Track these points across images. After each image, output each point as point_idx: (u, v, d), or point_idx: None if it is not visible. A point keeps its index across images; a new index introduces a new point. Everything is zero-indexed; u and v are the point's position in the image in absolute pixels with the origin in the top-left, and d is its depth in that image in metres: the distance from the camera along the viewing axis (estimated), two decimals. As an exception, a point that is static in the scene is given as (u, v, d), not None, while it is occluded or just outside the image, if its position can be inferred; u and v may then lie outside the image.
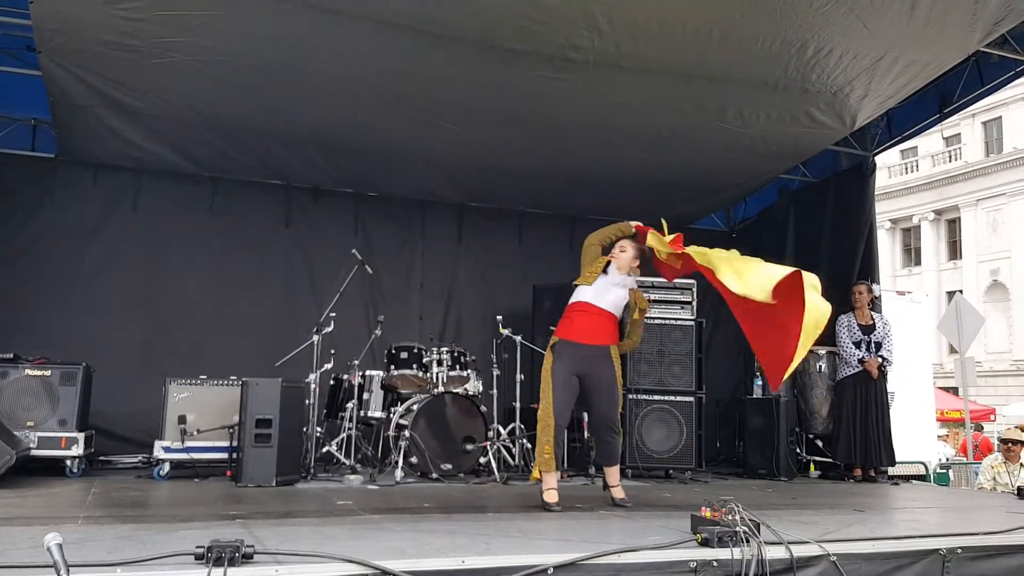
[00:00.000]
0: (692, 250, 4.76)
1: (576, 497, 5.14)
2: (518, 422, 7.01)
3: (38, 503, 4.57)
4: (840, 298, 7.65)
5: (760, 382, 7.80)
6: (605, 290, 4.98)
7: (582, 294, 5.01)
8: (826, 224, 8.34)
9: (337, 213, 8.46)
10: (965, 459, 11.93)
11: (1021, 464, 7.10)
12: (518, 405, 7.05)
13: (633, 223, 5.13)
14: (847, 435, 7.13)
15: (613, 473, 5.03)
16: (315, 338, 6.51)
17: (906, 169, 33.12)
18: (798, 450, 7.52)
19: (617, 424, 4.95)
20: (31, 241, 7.43)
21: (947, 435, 14.32)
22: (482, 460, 6.47)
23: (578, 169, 7.79)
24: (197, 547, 2.56)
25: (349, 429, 6.58)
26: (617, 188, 8.23)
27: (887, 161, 30.73)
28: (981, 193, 30.36)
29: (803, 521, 4.04)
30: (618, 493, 4.94)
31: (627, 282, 5.09)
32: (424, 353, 6.74)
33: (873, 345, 7.24)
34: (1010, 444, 7.24)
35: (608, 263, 5.07)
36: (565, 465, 7.01)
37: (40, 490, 5.07)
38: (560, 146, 7.32)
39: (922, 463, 9.19)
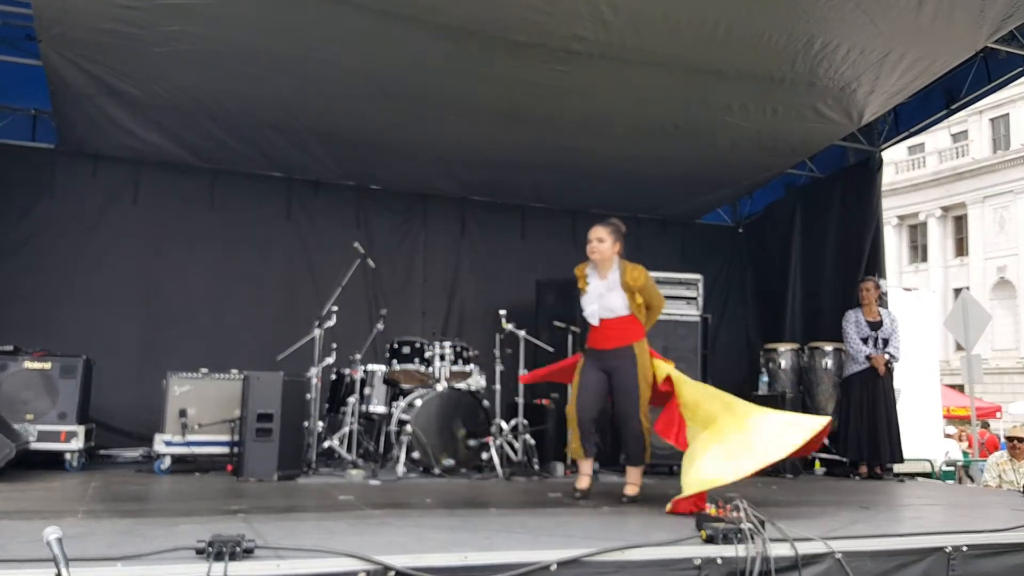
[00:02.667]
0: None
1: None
2: (521, 417, 6.98)
3: (37, 497, 4.55)
4: (847, 294, 7.65)
5: (766, 379, 7.76)
6: (602, 304, 4.93)
7: (584, 310, 5.04)
8: (833, 220, 8.29)
9: (338, 206, 8.41)
10: (971, 457, 11.84)
11: (1027, 462, 7.07)
12: (521, 400, 7.01)
13: None
14: (854, 432, 7.09)
15: (631, 473, 4.96)
16: (316, 332, 6.48)
17: (913, 165, 33.02)
18: (803, 447, 7.47)
19: (632, 421, 4.85)
20: (31, 233, 7.39)
21: (956, 434, 14.19)
22: (484, 456, 6.44)
23: (582, 163, 7.74)
24: (198, 541, 2.55)
25: (351, 424, 6.56)
26: (622, 182, 8.19)
27: (894, 157, 30.55)
28: (988, 190, 30.26)
29: (808, 518, 4.00)
30: (629, 490, 4.88)
31: (612, 281, 4.92)
32: (426, 348, 6.71)
33: (880, 342, 7.18)
34: (1016, 441, 7.20)
35: (585, 274, 5.03)
36: (568, 461, 6.98)
37: (39, 484, 5.04)
38: (563, 140, 7.28)
39: (928, 460, 9.12)
